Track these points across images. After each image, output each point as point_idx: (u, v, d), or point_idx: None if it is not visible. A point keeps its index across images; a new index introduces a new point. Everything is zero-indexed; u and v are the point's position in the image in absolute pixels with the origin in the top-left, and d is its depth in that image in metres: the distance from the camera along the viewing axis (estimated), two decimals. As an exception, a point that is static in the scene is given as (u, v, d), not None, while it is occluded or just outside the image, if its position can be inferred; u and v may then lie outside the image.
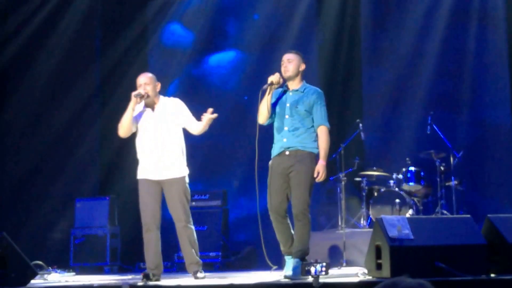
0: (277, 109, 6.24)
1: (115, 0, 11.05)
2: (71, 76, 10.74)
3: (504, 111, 10.14)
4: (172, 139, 6.58)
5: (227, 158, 10.77)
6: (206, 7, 11.04)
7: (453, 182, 9.03)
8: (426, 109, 9.49)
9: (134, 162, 6.81)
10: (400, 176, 9.19)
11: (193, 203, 9.22)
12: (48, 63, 10.57)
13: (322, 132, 6.19)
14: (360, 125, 9.26)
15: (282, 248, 6.26)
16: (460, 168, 9.23)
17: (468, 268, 5.19)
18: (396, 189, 9.12)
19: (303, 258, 6.05)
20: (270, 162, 6.27)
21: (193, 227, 6.60)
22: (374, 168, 9.54)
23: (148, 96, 6.54)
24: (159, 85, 6.70)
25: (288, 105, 6.21)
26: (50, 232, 10.15)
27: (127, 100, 6.53)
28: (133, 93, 6.50)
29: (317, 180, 6.11)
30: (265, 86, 6.14)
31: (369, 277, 5.56)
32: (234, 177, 10.55)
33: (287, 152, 6.14)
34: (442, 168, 9.11)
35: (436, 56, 10.35)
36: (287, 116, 6.19)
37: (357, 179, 9.50)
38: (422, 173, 9.17)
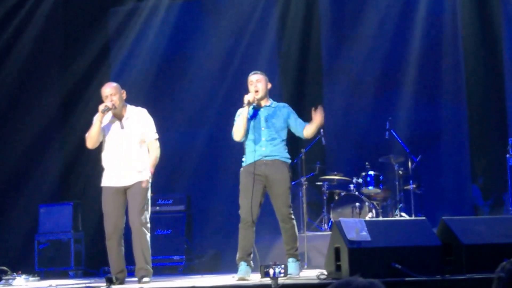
0: (252, 123, 6.60)
1: (77, 7, 11.02)
2: (34, 84, 10.71)
3: (460, 117, 10.37)
4: (138, 148, 6.60)
5: (190, 163, 10.82)
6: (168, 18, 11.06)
7: (411, 186, 9.21)
8: (385, 114, 9.67)
9: (98, 168, 6.86)
10: (360, 180, 9.31)
11: (157, 208, 9.32)
12: (10, 71, 10.46)
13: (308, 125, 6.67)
14: (321, 130, 9.42)
15: (240, 254, 6.47)
16: (418, 172, 9.44)
17: (423, 268, 5.30)
18: (356, 193, 9.25)
19: (297, 256, 6.62)
20: (242, 170, 6.60)
21: (148, 233, 6.54)
22: (335, 172, 9.63)
23: (115, 107, 6.48)
24: (124, 93, 6.63)
25: (262, 118, 6.62)
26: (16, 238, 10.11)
27: (90, 107, 6.56)
28: (100, 108, 6.41)
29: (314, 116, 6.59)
30: (244, 105, 6.51)
31: (328, 279, 5.69)
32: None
33: (264, 160, 6.52)
34: (400, 172, 9.28)
35: (393, 62, 10.54)
36: (263, 128, 6.60)
37: (318, 183, 9.61)
38: (381, 177, 9.31)
